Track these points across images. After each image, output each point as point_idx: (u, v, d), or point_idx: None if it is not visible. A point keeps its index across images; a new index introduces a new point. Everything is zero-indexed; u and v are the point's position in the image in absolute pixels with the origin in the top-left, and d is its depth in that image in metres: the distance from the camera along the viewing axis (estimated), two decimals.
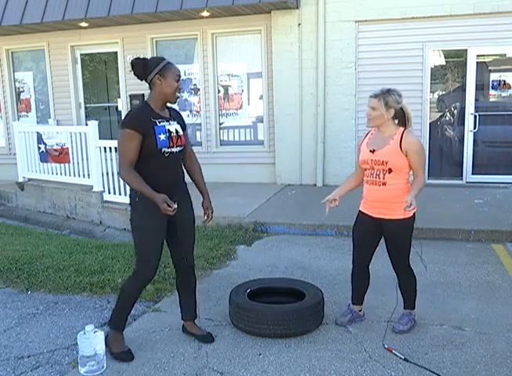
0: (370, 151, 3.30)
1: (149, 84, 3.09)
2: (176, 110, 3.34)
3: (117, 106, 9.62)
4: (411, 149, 3.19)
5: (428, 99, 8.01)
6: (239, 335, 3.46)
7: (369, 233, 3.41)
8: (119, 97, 9.56)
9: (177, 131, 3.16)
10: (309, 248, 5.48)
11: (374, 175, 3.29)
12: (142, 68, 3.06)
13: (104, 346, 3.05)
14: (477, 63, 7.84)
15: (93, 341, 2.97)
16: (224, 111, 9.11)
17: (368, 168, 3.34)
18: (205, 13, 8.24)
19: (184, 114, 9.08)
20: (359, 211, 3.47)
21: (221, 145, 9.15)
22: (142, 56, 3.14)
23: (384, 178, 3.25)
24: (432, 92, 8.16)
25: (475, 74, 7.87)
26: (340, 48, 8.10)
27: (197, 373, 3.02)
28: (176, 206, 2.97)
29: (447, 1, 7.57)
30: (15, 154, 8.96)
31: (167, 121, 3.13)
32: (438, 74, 8.16)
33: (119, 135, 3.03)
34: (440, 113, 8.28)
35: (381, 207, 3.30)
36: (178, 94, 3.12)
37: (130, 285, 3.20)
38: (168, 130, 3.09)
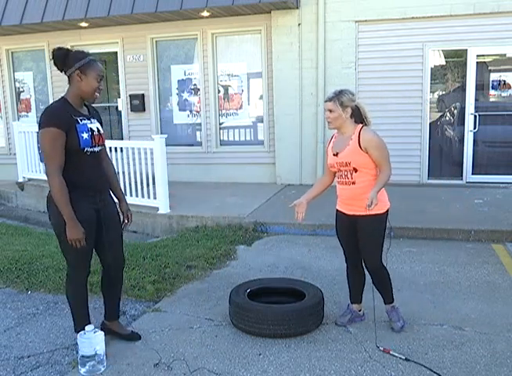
0: (334, 154, 3.38)
1: (69, 79, 2.97)
2: (94, 107, 3.24)
3: (117, 106, 9.63)
4: (370, 145, 3.23)
5: (428, 99, 8.00)
6: (239, 335, 3.46)
7: (348, 230, 3.46)
8: (119, 97, 9.57)
9: (98, 130, 3.09)
10: (309, 248, 5.48)
11: (343, 176, 3.37)
12: (62, 60, 2.94)
13: (104, 346, 3.05)
14: (477, 63, 7.84)
15: (93, 341, 2.97)
16: (224, 111, 9.11)
17: (336, 171, 3.41)
18: (205, 13, 8.24)
19: (184, 114, 9.18)
20: (336, 209, 3.54)
21: (221, 145, 9.15)
22: (68, 47, 3.01)
23: (352, 178, 3.32)
24: (432, 92, 8.15)
25: (475, 74, 7.87)
26: (340, 48, 8.10)
27: (197, 373, 3.02)
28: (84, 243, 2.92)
29: (447, 1, 7.57)
30: (15, 154, 8.97)
31: (88, 118, 3.03)
32: (438, 74, 8.16)
33: (41, 135, 2.84)
34: (440, 113, 8.28)
35: (353, 205, 3.35)
36: (97, 94, 3.00)
37: (69, 290, 3.15)
38: (90, 128, 3.00)
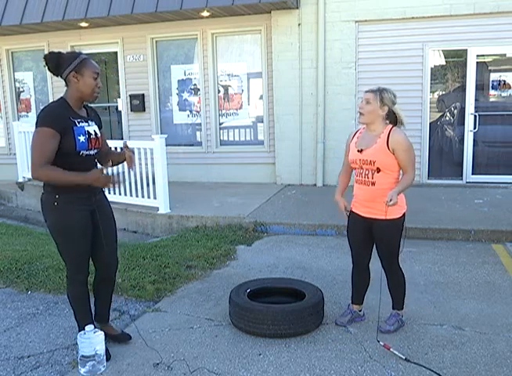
0: (358, 151, 3.30)
1: (65, 81, 2.93)
2: (93, 109, 3.19)
3: (116, 106, 9.63)
4: (398, 147, 3.17)
5: (428, 99, 8.00)
6: (239, 335, 3.46)
7: (361, 233, 3.42)
8: (119, 97, 9.57)
9: (95, 133, 3.03)
10: (309, 248, 5.47)
11: (363, 175, 3.29)
12: (55, 64, 2.90)
13: (104, 346, 3.05)
14: (477, 63, 7.84)
15: (93, 341, 2.96)
16: (224, 111, 9.11)
17: (357, 168, 3.33)
18: (205, 13, 8.24)
19: (184, 114, 9.17)
20: (351, 210, 3.49)
21: (221, 145, 9.15)
22: (57, 51, 2.95)
23: (372, 178, 3.24)
24: (432, 92, 8.16)
25: (475, 74, 7.87)
26: (340, 48, 8.10)
27: (197, 373, 3.02)
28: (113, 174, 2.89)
29: (447, 1, 7.58)
30: (15, 154, 8.97)
31: (86, 121, 2.98)
32: (438, 74, 8.16)
33: (35, 134, 2.78)
34: (440, 113, 8.28)
35: (371, 207, 3.30)
36: (96, 93, 2.95)
37: (70, 291, 3.14)
38: (88, 131, 2.95)
